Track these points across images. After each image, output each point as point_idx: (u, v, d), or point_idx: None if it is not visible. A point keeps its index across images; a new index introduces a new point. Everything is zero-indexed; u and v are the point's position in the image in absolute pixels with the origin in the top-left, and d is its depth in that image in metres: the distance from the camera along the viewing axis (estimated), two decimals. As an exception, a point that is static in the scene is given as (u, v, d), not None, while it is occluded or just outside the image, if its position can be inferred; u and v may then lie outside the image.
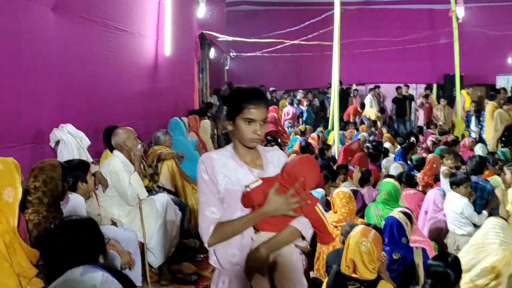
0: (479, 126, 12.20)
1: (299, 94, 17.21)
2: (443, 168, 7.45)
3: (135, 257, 4.42)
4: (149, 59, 7.38)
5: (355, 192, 5.92)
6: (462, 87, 14.91)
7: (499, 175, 6.99)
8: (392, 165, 7.97)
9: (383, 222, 5.61)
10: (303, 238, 2.51)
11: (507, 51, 18.12)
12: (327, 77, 14.90)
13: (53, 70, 4.69)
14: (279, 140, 11.81)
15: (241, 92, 2.43)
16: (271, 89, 17.12)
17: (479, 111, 12.57)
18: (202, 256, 5.91)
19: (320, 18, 13.02)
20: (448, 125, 14.86)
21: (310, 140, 11.00)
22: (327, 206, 6.17)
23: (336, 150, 9.83)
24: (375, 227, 3.92)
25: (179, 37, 8.58)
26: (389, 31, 17.10)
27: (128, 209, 4.92)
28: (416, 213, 6.25)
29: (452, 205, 5.74)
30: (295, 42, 12.65)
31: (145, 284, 4.87)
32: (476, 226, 5.72)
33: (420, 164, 8.65)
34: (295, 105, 15.83)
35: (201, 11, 10.29)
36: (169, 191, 6.22)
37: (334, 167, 8.13)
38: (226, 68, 16.76)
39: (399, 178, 6.99)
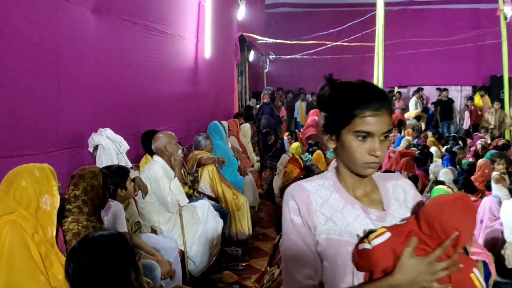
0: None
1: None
2: (494, 173, 7.09)
3: (176, 266, 4.26)
4: (189, 62, 7.25)
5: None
6: (510, 89, 14.40)
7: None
8: (442, 171, 7.62)
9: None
10: None
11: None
12: (368, 79, 14.56)
13: (92, 73, 4.58)
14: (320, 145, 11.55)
15: (350, 90, 1.66)
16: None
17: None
18: (243, 264, 5.73)
19: (362, 19, 12.70)
20: (500, 130, 14.32)
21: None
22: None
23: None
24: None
25: (219, 39, 8.44)
26: (432, 32, 16.65)
27: (168, 216, 4.78)
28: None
29: (510, 214, 5.40)
30: (337, 43, 12.39)
31: (185, 294, 4.72)
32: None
33: (471, 169, 8.28)
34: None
35: (241, 13, 10.15)
36: (209, 197, 6.07)
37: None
38: (265, 71, 16.60)
39: (455, 184, 6.68)
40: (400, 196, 1.74)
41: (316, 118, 12.87)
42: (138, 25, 5.53)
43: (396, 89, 17.83)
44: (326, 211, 1.64)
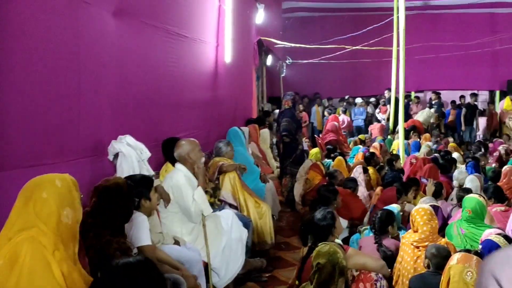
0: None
1: (359, 100, 16.67)
2: (522, 181, 6.87)
3: (200, 279, 4.08)
4: (209, 66, 7.09)
5: (435, 209, 5.41)
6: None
7: None
8: (468, 178, 7.37)
9: (468, 242, 5.15)
10: None
11: None
12: (385, 84, 14.38)
13: (113, 77, 4.42)
14: (339, 150, 11.35)
15: None
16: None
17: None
18: (267, 275, 5.55)
19: (382, 24, 12.49)
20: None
21: (372, 150, 10.52)
22: (403, 223, 5.71)
23: (401, 160, 9.29)
24: (476, 253, 3.46)
25: (239, 43, 8.28)
26: (448, 37, 16.52)
27: (191, 226, 4.60)
28: (505, 233, 5.70)
29: None
30: (357, 47, 12.18)
31: (209, 307, 4.53)
32: None
33: (496, 176, 8.04)
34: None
35: (260, 17, 9.99)
36: (230, 205, 5.89)
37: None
38: (282, 75, 16.42)
39: (484, 192, 6.44)
40: None
41: (336, 123, 12.67)
42: (159, 29, 5.37)
43: (413, 94, 17.59)
44: None
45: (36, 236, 2.38)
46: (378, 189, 7.17)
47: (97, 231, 2.85)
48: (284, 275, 5.67)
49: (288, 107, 8.89)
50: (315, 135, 12.41)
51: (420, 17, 17.48)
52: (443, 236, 5.33)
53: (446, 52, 16.30)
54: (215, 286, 4.69)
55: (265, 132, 9.09)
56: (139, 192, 3.59)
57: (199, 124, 6.89)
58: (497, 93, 18.38)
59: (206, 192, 5.04)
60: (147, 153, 4.67)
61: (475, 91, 17.17)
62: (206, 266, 4.54)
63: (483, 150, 10.94)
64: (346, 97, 17.55)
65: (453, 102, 16.43)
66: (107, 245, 2.78)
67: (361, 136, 13.15)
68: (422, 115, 14.96)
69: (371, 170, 8.70)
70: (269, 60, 13.56)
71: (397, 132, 11.08)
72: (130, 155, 4.40)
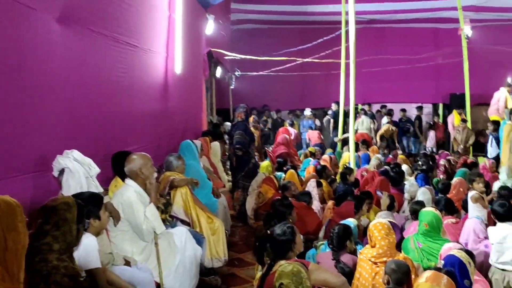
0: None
1: (307, 111, 16.68)
2: (472, 193, 6.93)
3: (153, 301, 3.85)
4: (159, 77, 6.85)
5: (392, 224, 5.37)
6: (463, 107, 14.57)
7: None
8: (420, 190, 7.43)
9: (425, 256, 5.11)
10: None
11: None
12: (333, 97, 14.47)
13: (57, 88, 4.13)
14: (290, 162, 11.26)
15: None
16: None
17: (496, 130, 12.10)
18: (223, 295, 5.36)
19: (330, 37, 12.57)
20: (466, 148, 14.37)
21: (322, 163, 10.50)
22: (360, 238, 5.63)
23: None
24: (447, 272, 3.38)
25: (189, 54, 8.08)
26: (395, 50, 16.81)
27: (142, 245, 4.36)
28: (457, 245, 5.71)
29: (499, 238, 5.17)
30: (306, 60, 12.17)
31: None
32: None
33: (445, 188, 8.12)
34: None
35: (210, 28, 9.82)
36: (182, 221, 5.65)
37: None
38: (231, 87, 16.29)
39: (436, 205, 6.47)
40: None
41: (286, 136, 12.60)
42: (107, 38, 5.11)
43: (360, 107, 17.80)
44: None
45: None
46: (330, 202, 7.11)
47: (43, 255, 2.58)
48: (239, 292, 5.50)
49: (241, 119, 8.78)
50: (266, 148, 12.29)
51: (367, 31, 17.76)
52: (400, 251, 5.30)
53: (392, 65, 16.60)
54: (168, 308, 4.45)
55: (216, 145, 8.90)
56: (88, 210, 3.33)
57: (149, 137, 6.64)
58: (441, 106, 18.88)
59: (157, 208, 4.81)
60: (96, 169, 4.39)
61: (420, 104, 17.56)
62: (159, 286, 4.31)
63: (431, 162, 11.09)
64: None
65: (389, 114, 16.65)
66: (54, 270, 2.52)
67: (311, 149, 13.13)
68: (362, 126, 15.10)
69: (324, 183, 8.65)
70: (219, 71, 13.40)
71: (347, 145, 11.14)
72: (78, 171, 4.12)
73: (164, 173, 5.99)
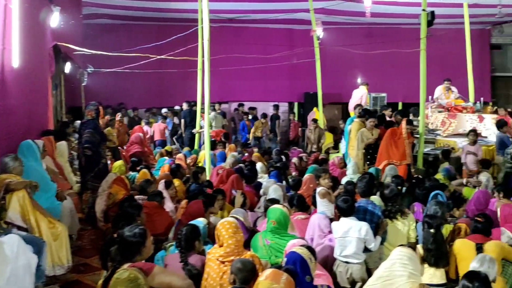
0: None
1: (164, 110, 16.44)
2: (319, 189, 7.23)
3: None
4: (-6, 72, 6.27)
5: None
6: (317, 105, 15.29)
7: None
8: (271, 188, 7.56)
9: (273, 253, 5.18)
10: None
11: (362, 71, 18.92)
12: (191, 95, 14.39)
13: None
14: (144, 162, 11.00)
15: None
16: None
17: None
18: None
19: (186, 34, 12.43)
20: (318, 146, 15.05)
21: (178, 161, 10.38)
22: (210, 237, 5.58)
23: (207, 172, 9.25)
24: (287, 270, 3.42)
25: (30, 47, 7.50)
26: (252, 49, 17.16)
27: (-33, 257, 3.94)
28: (305, 240, 5.89)
29: (355, 231, 5.39)
30: (160, 57, 11.91)
31: None
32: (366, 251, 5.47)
33: (296, 184, 8.39)
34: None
35: (55, 20, 9.20)
36: (19, 227, 5.22)
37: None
38: (83, 84, 15.56)
39: (290, 201, 6.63)
40: None
41: (141, 134, 12.30)
42: None
43: (216, 105, 17.91)
44: None
45: None
46: (183, 202, 7.01)
47: None
48: (83, 301, 5.21)
49: (91, 118, 8.44)
50: (119, 147, 11.87)
51: (225, 30, 17.93)
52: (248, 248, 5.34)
53: (249, 64, 16.90)
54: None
55: (62, 144, 8.39)
56: None
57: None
58: (296, 104, 19.61)
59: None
60: None
61: (277, 103, 18.09)
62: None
63: (284, 159, 11.42)
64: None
65: (247, 113, 17.01)
66: None
67: (167, 148, 12.94)
68: (216, 124, 15.28)
69: (177, 182, 8.54)
70: (68, 67, 12.69)
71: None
72: None
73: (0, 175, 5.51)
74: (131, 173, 9.49)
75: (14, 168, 5.60)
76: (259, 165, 9.96)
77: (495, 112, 13.98)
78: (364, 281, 4.93)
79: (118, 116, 13.88)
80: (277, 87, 19.09)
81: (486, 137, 11.77)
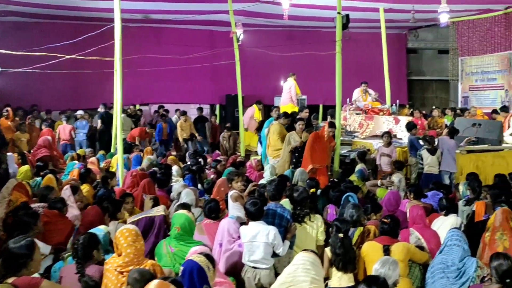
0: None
1: (80, 112, 15.75)
2: (231, 192, 7.08)
3: None
4: None
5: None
6: (243, 108, 15.21)
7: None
8: (184, 192, 7.33)
9: (177, 261, 4.96)
10: None
11: (283, 73, 19.02)
12: (109, 97, 13.91)
13: None
14: (52, 166, 10.45)
15: None
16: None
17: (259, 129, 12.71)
18: None
19: (98, 33, 11.94)
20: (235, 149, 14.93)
21: (90, 166, 9.94)
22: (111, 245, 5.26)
23: (120, 176, 8.88)
24: (174, 281, 3.21)
25: None
26: (173, 50, 16.87)
27: None
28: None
29: (262, 235, 5.22)
30: (70, 56, 11.33)
31: None
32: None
33: (210, 188, 8.22)
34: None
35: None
36: None
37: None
38: (-8, 85, 14.72)
39: (205, 206, 6.39)
40: None
41: (49, 137, 11.71)
42: None
43: (137, 107, 17.45)
44: None
45: None
46: (89, 208, 6.66)
47: None
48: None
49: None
50: (25, 151, 11.20)
51: (144, 30, 17.53)
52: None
53: (169, 65, 16.59)
54: None
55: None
56: None
57: None
58: (218, 106, 19.42)
59: None
60: None
61: (200, 105, 17.86)
62: None
63: (202, 161, 11.18)
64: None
65: (163, 115, 16.62)
66: None
67: (80, 151, 12.39)
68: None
69: (86, 187, 8.15)
70: (-29, 67, 11.91)
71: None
72: None
73: None
74: (37, 178, 8.96)
75: None
76: (174, 168, 9.68)
77: (411, 114, 14.38)
78: (273, 287, 4.79)
79: (29, 119, 13.18)
80: (198, 89, 18.87)
81: (401, 138, 12.02)
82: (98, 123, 14.86)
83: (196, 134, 15.53)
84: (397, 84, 18.82)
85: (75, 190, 7.28)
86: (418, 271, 5.26)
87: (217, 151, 14.03)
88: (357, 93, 14.07)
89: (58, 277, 4.75)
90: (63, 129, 14.52)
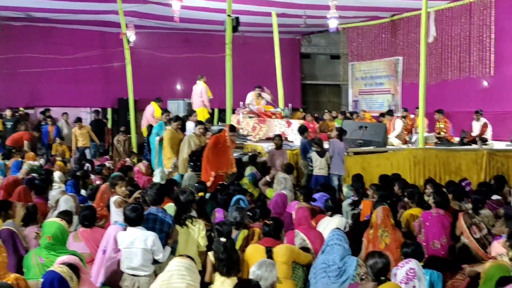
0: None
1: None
2: (115, 198, 6.76)
3: None
4: None
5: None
6: (136, 112, 14.77)
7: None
8: (62, 198, 6.93)
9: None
10: None
11: (177, 76, 18.76)
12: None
13: None
14: None
15: None
16: None
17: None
18: None
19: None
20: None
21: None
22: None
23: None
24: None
25: None
26: (61, 51, 16.08)
27: None
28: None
29: (140, 241, 4.95)
30: None
31: None
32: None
33: (94, 193, 7.81)
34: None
35: None
36: None
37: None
38: None
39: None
40: None
41: None
42: None
43: (22, 110, 16.44)
44: None
45: None
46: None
47: None
48: None
49: None
50: None
51: (30, 29, 16.59)
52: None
53: (59, 67, 15.84)
54: None
55: None
56: None
57: None
58: (109, 110, 18.70)
59: None
60: None
61: (97, 108, 17.23)
62: None
63: (88, 167, 10.63)
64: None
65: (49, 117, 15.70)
66: None
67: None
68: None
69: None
70: None
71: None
72: None
73: None
74: None
75: None
76: (57, 174, 9.12)
77: (304, 118, 14.63)
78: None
79: None
80: (89, 91, 18.02)
81: (292, 141, 12.14)
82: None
83: (97, 141, 14.76)
84: (292, 88, 19.12)
85: None
86: (301, 272, 5.23)
87: (106, 156, 13.47)
88: (250, 96, 14.06)
89: None
90: None
